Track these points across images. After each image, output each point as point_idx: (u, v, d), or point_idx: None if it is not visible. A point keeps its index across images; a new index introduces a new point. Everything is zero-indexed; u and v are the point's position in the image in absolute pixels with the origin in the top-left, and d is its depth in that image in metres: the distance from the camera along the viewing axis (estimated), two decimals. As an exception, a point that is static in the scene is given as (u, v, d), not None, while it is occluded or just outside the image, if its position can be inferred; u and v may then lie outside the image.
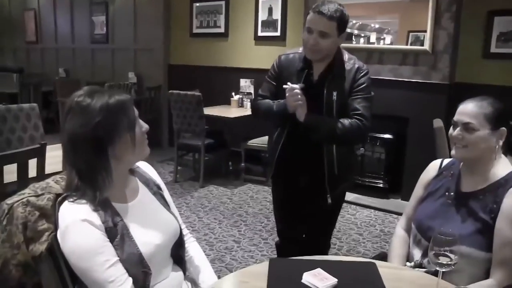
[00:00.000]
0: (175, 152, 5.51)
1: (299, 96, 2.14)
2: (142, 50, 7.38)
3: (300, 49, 2.33)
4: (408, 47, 4.75)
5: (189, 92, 5.14)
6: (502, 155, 1.78)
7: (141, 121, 1.50)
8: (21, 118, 3.69)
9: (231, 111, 5.56)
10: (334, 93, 2.22)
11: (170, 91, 5.34)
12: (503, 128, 1.72)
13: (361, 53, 4.91)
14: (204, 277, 1.74)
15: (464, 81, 4.70)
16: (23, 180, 2.24)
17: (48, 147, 2.47)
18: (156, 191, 1.67)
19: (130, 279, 1.40)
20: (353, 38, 5.14)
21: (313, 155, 2.32)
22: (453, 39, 4.52)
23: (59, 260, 1.45)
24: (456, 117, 1.77)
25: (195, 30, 6.74)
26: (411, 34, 4.78)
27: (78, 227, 1.35)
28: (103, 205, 1.40)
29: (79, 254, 1.35)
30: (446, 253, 1.43)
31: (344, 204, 4.80)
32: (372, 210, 4.75)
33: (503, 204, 1.66)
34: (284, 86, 2.17)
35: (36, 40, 9.29)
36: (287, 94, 2.16)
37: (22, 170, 2.31)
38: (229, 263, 3.49)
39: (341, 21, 2.15)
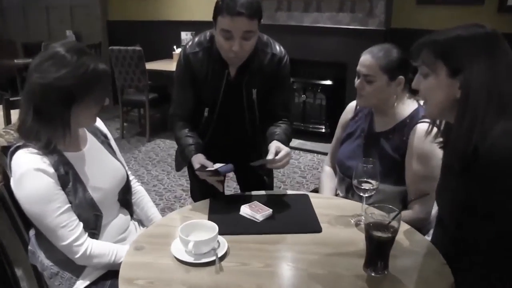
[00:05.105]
0: (120, 109, 5.52)
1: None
2: (78, 7, 7.16)
3: (203, 37, 2.00)
4: (345, -6, 4.83)
5: (129, 48, 5.09)
6: (407, 96, 1.91)
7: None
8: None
9: (174, 65, 5.49)
10: (254, 91, 1.99)
11: (110, 47, 5.26)
12: (401, 77, 1.84)
13: (299, 2, 5.00)
14: (149, 216, 1.86)
15: (399, 26, 4.87)
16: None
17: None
18: (104, 140, 1.75)
19: (81, 224, 1.50)
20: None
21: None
22: (387, -15, 4.63)
23: (11, 208, 1.54)
24: (358, 68, 1.89)
25: (132, -17, 6.59)
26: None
27: (32, 176, 1.42)
28: (55, 155, 1.48)
29: (33, 201, 1.44)
30: (368, 180, 1.60)
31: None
32: (315, 154, 4.96)
33: (409, 141, 1.82)
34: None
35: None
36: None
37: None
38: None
39: (260, 13, 1.80)
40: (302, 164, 4.67)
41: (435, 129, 1.46)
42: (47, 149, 1.45)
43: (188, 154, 1.92)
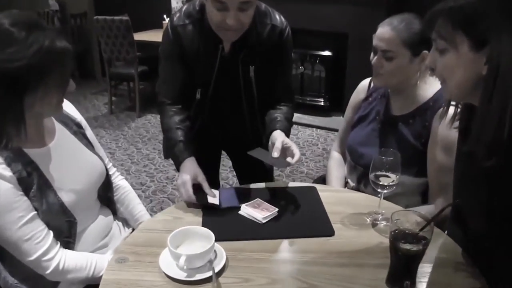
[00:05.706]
0: (108, 83, 5.24)
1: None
2: (62, -27, 6.76)
3: (192, 6, 1.73)
4: (345, -42, 4.54)
5: (116, 17, 4.79)
6: (429, 73, 1.68)
7: (71, 80, 1.28)
8: None
9: (164, 35, 5.25)
10: (251, 68, 1.76)
11: (96, 17, 4.97)
12: (425, 51, 1.60)
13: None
14: (135, 215, 1.63)
15: (404, -7, 4.60)
16: None
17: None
18: (77, 131, 1.48)
19: (51, 234, 1.26)
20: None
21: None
22: None
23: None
24: (374, 42, 1.64)
25: None
26: None
27: None
28: (12, 153, 1.22)
29: None
30: (387, 173, 1.38)
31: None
32: (314, 129, 4.74)
33: (432, 129, 1.60)
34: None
35: None
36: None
37: None
38: (171, 193, 3.40)
39: None
40: (301, 140, 4.44)
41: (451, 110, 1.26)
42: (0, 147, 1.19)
43: (179, 154, 1.66)
